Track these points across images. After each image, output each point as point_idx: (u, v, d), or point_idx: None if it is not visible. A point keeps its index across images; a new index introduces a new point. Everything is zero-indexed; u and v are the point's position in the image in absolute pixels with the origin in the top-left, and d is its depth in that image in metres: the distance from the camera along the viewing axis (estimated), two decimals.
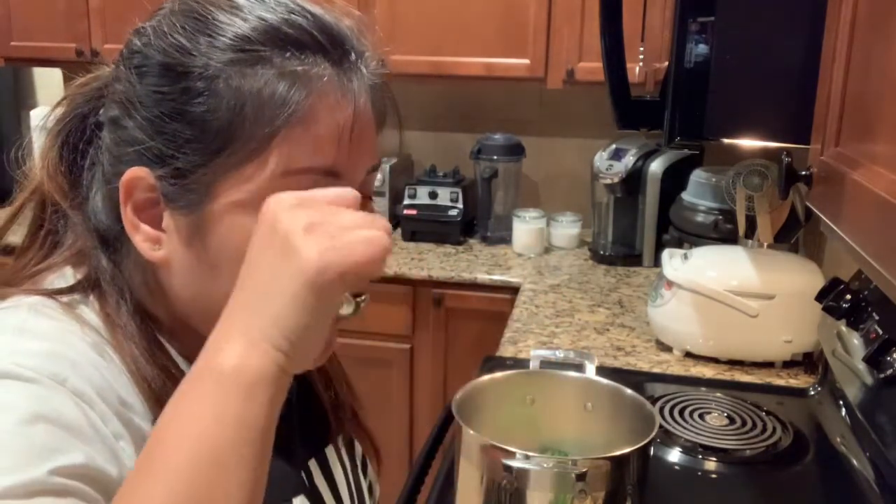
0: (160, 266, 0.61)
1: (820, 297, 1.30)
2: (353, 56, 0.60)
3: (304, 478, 0.70)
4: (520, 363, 1.60)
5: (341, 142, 0.58)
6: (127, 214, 0.59)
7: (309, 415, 0.73)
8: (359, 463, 0.79)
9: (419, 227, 2.58)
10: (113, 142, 0.60)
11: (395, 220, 2.64)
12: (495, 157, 2.54)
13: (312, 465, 0.71)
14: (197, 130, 0.57)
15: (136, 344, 0.60)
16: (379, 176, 2.56)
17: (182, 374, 0.60)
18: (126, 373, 0.59)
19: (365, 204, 0.62)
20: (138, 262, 0.62)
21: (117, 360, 0.59)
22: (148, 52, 0.58)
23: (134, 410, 0.57)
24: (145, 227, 0.60)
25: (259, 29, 0.57)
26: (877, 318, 1.17)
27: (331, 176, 0.58)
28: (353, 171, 0.60)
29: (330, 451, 0.74)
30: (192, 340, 0.61)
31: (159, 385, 0.59)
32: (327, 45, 0.58)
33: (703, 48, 1.32)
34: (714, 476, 1.24)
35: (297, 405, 0.71)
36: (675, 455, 1.27)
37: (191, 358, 0.62)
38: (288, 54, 0.57)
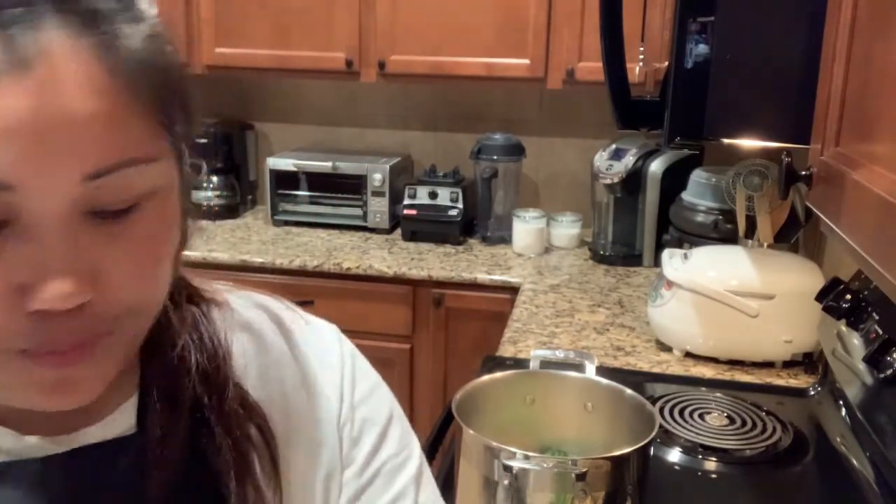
0: None
1: (820, 297, 1.30)
2: (39, 13, 0.41)
3: None
4: (520, 363, 1.60)
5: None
6: None
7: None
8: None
9: (419, 227, 2.58)
10: None
11: (395, 220, 2.64)
12: (495, 157, 2.54)
13: None
14: None
15: None
16: (378, 176, 2.59)
17: None
18: None
19: (136, 212, 0.46)
20: None
21: None
22: None
23: None
24: None
25: None
26: (877, 318, 1.17)
27: None
28: (36, 178, 0.42)
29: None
30: None
31: None
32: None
33: (703, 48, 1.32)
34: (714, 476, 1.24)
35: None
36: (675, 455, 1.27)
37: None
38: None
